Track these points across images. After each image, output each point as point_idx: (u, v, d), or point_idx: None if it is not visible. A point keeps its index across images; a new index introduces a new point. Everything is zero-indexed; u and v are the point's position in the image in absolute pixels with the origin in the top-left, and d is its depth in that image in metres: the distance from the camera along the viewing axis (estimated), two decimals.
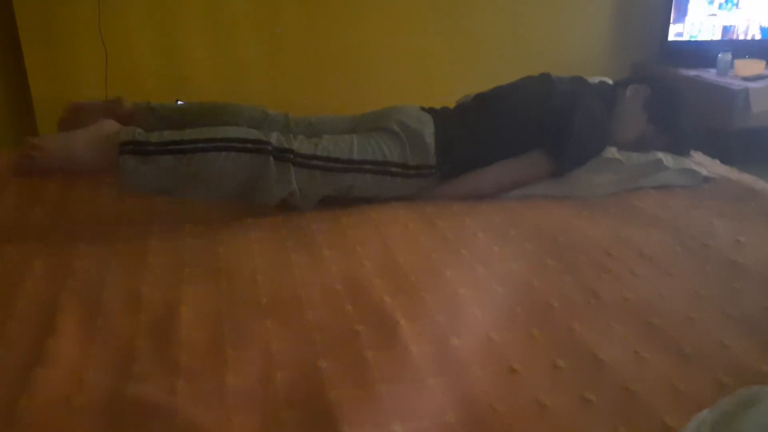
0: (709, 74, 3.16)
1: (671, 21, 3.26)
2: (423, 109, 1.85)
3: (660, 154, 1.79)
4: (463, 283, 1.31)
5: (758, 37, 3.30)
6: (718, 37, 3.30)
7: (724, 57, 3.13)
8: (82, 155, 1.59)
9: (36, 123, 2.88)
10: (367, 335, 1.13)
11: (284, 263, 1.40)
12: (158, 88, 2.94)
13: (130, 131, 1.56)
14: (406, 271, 1.36)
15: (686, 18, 3.26)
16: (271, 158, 1.59)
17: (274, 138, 1.62)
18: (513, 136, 1.77)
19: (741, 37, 3.30)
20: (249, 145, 1.59)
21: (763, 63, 3.10)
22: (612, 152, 1.77)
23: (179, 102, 2.61)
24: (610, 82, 2.16)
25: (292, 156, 1.62)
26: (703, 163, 1.94)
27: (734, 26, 3.30)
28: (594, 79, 2.19)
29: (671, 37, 3.29)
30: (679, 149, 1.87)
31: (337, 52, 3.14)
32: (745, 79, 3.03)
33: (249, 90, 3.07)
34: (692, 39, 3.29)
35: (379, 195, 1.72)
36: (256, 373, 1.03)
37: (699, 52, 3.28)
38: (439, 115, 1.82)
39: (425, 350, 1.09)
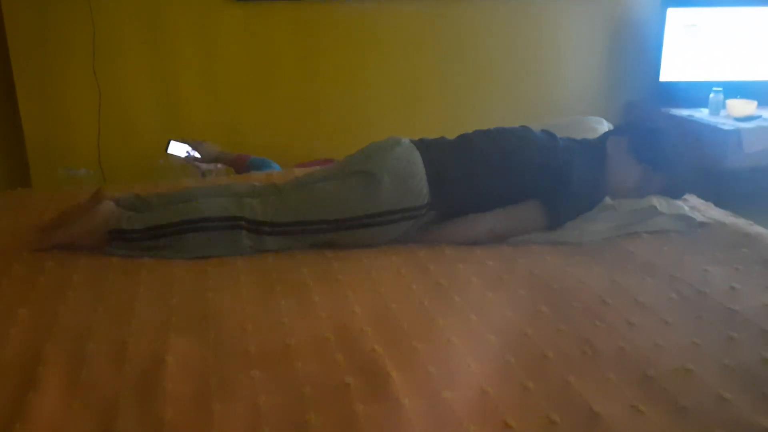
0: (702, 114, 3.18)
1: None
2: (413, 142, 1.81)
3: (654, 200, 1.78)
4: (456, 331, 1.29)
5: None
6: None
7: (716, 97, 3.14)
8: (80, 242, 1.70)
9: (28, 163, 2.87)
10: (358, 387, 1.10)
11: (274, 310, 1.37)
12: (152, 129, 2.94)
13: (117, 219, 1.70)
14: (398, 318, 1.34)
15: None
16: (244, 232, 1.67)
17: (248, 210, 1.68)
18: (511, 183, 1.76)
19: None
20: (224, 223, 1.68)
21: (754, 103, 3.11)
22: (605, 199, 1.77)
23: (171, 141, 2.61)
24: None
25: (268, 228, 1.68)
26: (697, 207, 1.93)
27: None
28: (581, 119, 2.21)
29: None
30: (677, 188, 1.86)
31: (331, 96, 3.16)
32: (738, 119, 3.05)
33: (243, 129, 3.07)
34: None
35: (367, 243, 1.70)
36: (242, 429, 1.00)
37: (691, 92, 3.30)
38: (431, 151, 1.77)
39: (417, 404, 1.06)
